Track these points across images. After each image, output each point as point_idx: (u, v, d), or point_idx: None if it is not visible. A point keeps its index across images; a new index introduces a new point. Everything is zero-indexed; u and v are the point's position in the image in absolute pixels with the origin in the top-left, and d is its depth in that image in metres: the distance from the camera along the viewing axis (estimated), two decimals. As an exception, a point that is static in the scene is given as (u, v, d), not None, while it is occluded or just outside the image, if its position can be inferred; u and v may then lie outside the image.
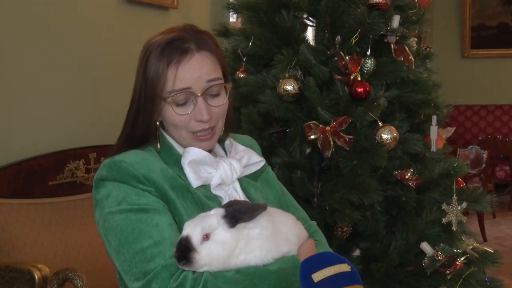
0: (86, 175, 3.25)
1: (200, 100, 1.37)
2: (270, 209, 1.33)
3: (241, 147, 1.52)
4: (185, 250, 1.22)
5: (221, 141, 1.53)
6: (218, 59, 1.42)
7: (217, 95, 1.40)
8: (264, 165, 1.55)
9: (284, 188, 1.63)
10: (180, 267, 1.24)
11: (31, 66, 3.10)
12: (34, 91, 3.12)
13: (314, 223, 1.60)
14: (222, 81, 1.41)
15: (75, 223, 3.01)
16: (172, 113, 1.37)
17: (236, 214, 1.25)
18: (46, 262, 2.65)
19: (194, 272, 1.24)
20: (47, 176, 3.06)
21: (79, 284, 2.39)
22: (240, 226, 1.25)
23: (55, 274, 2.44)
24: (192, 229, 1.23)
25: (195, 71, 1.36)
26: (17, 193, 2.88)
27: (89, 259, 2.94)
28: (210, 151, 1.48)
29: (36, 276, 2.43)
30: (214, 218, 1.25)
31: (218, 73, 1.41)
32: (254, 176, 1.52)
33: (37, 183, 3.00)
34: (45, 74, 3.19)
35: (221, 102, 1.41)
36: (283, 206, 1.54)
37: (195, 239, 1.22)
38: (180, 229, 1.29)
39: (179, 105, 1.37)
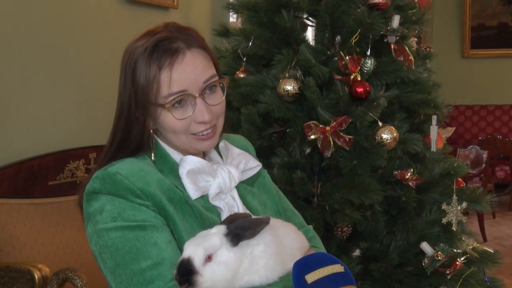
0: (86, 175, 3.25)
1: (199, 101, 1.30)
2: (271, 221, 1.27)
3: (236, 151, 1.45)
4: (187, 273, 1.14)
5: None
6: (209, 54, 1.35)
7: (214, 92, 1.34)
8: (261, 169, 1.49)
9: (280, 191, 1.57)
10: None
11: (30, 66, 3.10)
12: (34, 91, 3.12)
13: (310, 227, 1.55)
14: (217, 78, 1.35)
15: (75, 223, 3.00)
16: (171, 119, 1.30)
17: (239, 231, 1.19)
18: (46, 262, 2.65)
19: None
20: (47, 176, 3.06)
21: (79, 284, 2.39)
22: (243, 243, 1.19)
23: (55, 274, 2.44)
24: (194, 250, 1.16)
25: (190, 71, 1.29)
26: (17, 193, 2.89)
27: (89, 259, 2.93)
28: (205, 156, 1.43)
29: (36, 276, 2.43)
30: (216, 237, 1.18)
31: (212, 70, 1.34)
32: (251, 181, 1.46)
33: (37, 183, 3.01)
34: (45, 74, 3.19)
35: (219, 100, 1.35)
36: (280, 211, 1.49)
37: (197, 260, 1.15)
38: (179, 246, 1.23)
39: (177, 108, 1.29)
